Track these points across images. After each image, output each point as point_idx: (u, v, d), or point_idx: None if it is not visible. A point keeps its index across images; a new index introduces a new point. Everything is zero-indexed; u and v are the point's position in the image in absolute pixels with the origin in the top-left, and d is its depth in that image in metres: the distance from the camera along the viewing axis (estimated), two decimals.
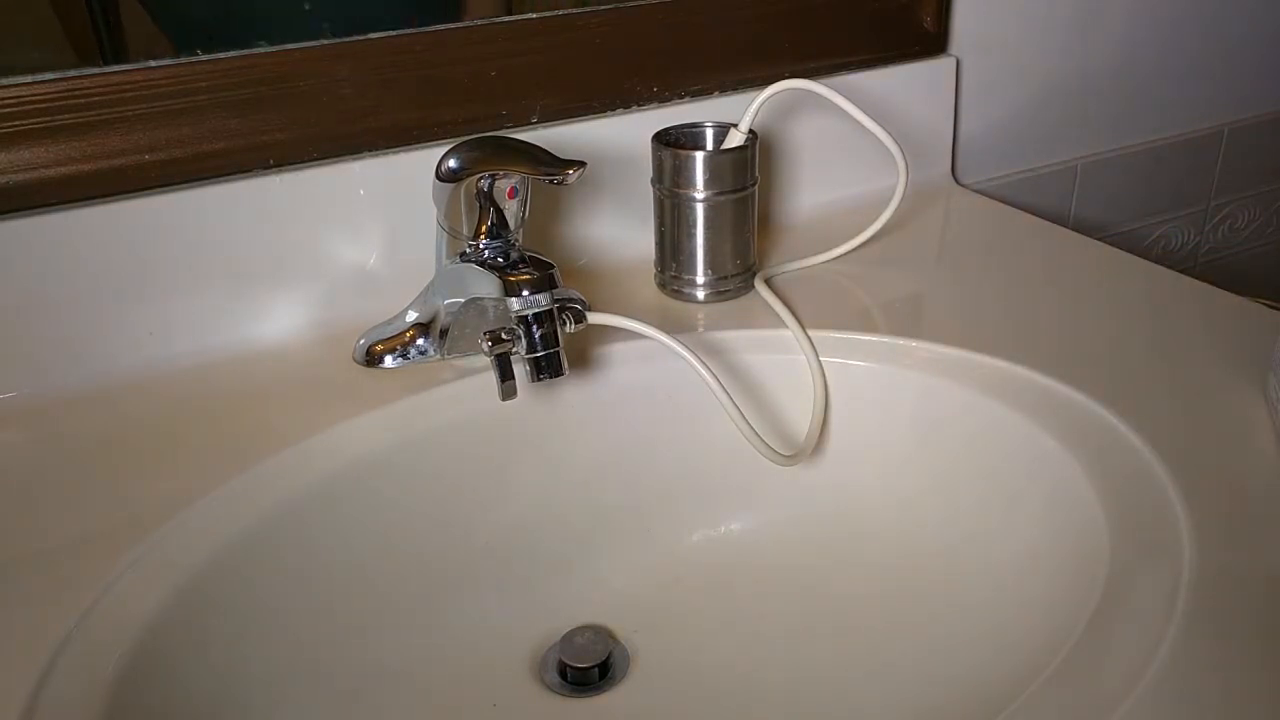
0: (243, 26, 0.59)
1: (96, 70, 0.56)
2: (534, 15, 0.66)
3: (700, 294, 0.67)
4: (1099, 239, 0.74)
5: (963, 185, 0.87)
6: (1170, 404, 0.54)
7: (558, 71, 0.68)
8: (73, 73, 0.56)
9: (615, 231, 0.72)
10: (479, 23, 0.65)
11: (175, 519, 0.48)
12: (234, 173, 0.61)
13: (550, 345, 0.53)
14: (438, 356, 0.60)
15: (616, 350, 0.61)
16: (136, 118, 0.57)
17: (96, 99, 0.56)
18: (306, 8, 0.59)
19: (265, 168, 0.61)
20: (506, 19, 0.65)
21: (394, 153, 0.64)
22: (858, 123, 0.66)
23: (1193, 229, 1.05)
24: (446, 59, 0.64)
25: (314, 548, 0.52)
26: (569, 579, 0.59)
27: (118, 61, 0.56)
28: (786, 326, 0.62)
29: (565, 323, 0.54)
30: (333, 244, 0.64)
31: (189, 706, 0.45)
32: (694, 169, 0.63)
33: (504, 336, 0.53)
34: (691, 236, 0.65)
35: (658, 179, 0.66)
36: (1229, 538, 0.45)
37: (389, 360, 0.60)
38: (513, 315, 0.52)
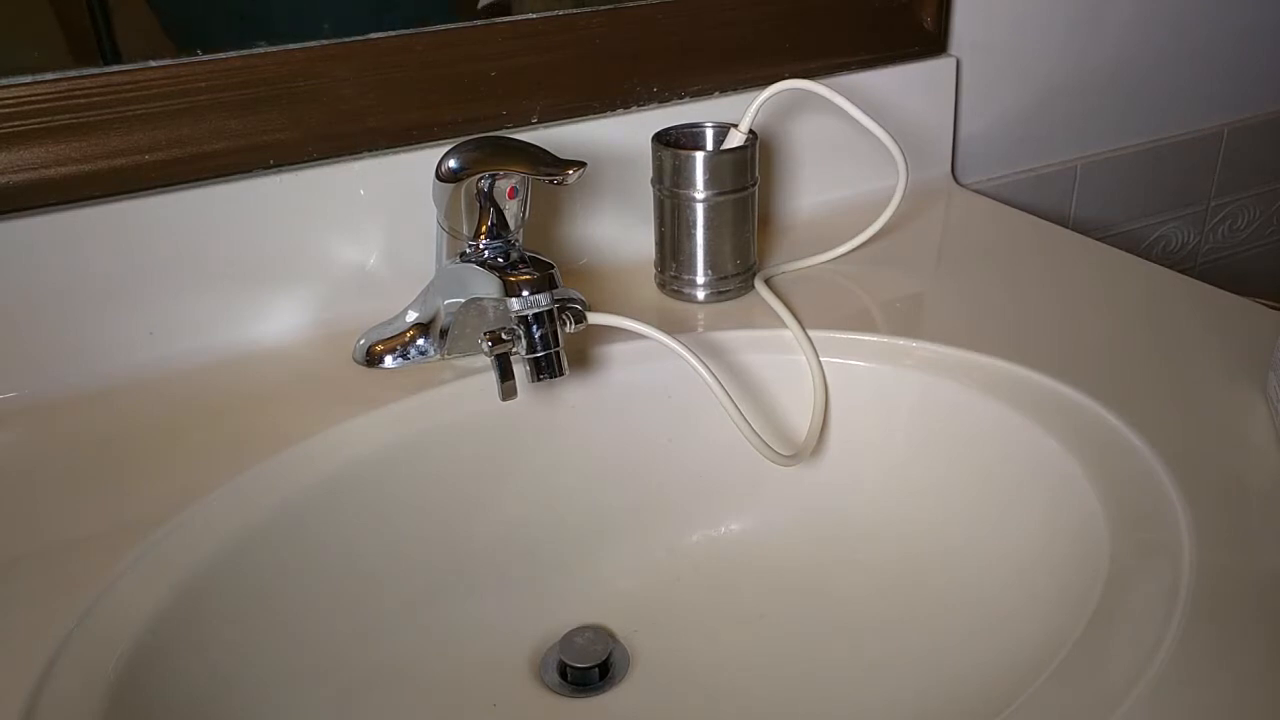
0: (279, 22, 0.59)
1: (96, 70, 0.56)
2: (534, 15, 0.66)
3: (700, 294, 0.67)
4: (1099, 239, 0.74)
5: (963, 185, 0.87)
6: (1170, 404, 0.54)
7: (558, 71, 0.68)
8: (73, 73, 0.56)
9: (615, 231, 0.72)
10: (479, 23, 0.65)
11: (175, 519, 0.48)
12: (234, 173, 0.61)
13: (550, 345, 0.53)
14: (438, 356, 0.60)
15: (616, 350, 0.61)
16: (136, 118, 0.57)
17: (96, 99, 0.56)
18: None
19: (265, 168, 0.61)
20: (506, 19, 0.65)
21: (394, 153, 0.64)
22: (858, 123, 0.66)
23: (1193, 229, 1.05)
24: (446, 59, 0.64)
25: (314, 548, 0.52)
26: (569, 579, 0.59)
27: (118, 61, 0.56)
28: (786, 326, 0.62)
29: (565, 323, 0.54)
30: (333, 244, 0.64)
31: (189, 706, 0.45)
32: (694, 169, 0.63)
33: (504, 336, 0.53)
34: (691, 236, 0.65)
35: (658, 179, 0.66)
36: (1229, 538, 0.45)
37: (389, 360, 0.60)
38: (513, 315, 0.52)
